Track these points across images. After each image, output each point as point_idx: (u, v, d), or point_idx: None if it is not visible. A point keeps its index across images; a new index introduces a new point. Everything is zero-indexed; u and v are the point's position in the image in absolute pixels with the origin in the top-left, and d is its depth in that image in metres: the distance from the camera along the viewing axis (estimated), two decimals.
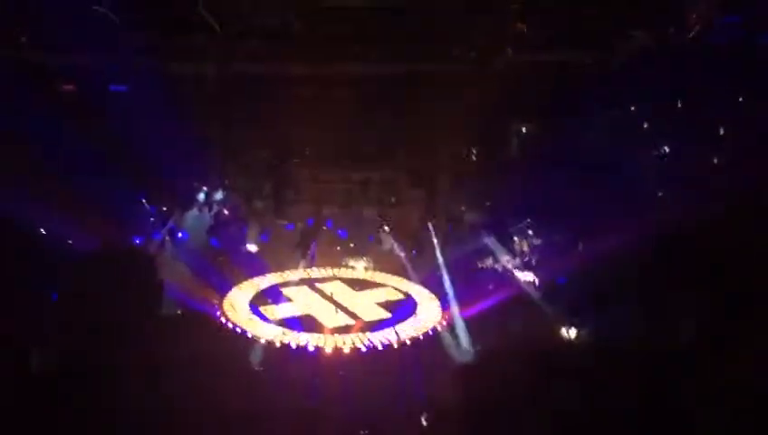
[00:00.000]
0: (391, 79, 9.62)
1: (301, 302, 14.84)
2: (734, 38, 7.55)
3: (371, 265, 16.80)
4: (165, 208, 14.65)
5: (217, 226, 15.74)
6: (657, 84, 8.75)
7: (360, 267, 16.78)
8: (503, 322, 12.88)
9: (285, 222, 16.16)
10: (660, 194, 10.60)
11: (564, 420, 5.39)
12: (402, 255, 16.92)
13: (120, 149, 10.71)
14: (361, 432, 9.04)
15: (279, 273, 16.14)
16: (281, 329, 12.98)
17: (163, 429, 2.75)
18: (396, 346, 12.52)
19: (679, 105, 10.61)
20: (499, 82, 8.88)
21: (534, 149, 12.23)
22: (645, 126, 11.17)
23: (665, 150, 11.58)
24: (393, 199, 15.00)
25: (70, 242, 12.86)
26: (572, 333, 12.75)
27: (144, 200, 14.07)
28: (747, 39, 7.50)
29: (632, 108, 10.90)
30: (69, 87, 9.71)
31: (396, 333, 13.00)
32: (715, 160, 11.51)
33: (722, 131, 11.38)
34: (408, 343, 12.64)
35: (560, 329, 12.82)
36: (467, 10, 7.64)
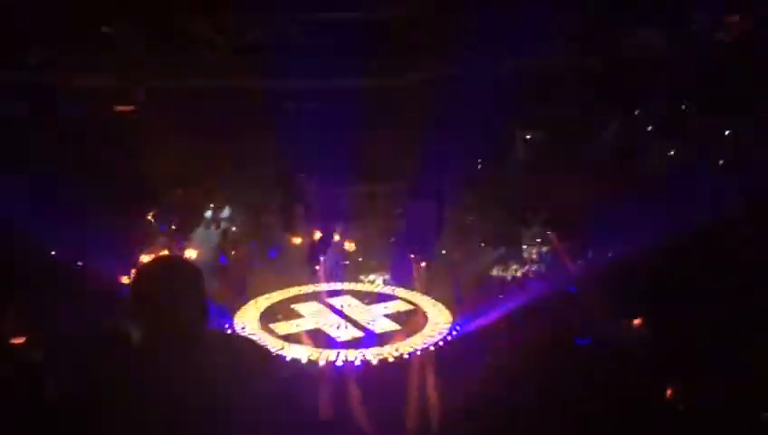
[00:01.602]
0: (392, 90, 9.65)
1: (310, 316, 14.82)
2: (740, 36, 7.54)
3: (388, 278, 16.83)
4: (174, 227, 14.69)
5: (225, 243, 15.77)
6: (661, 85, 8.75)
7: (378, 281, 16.78)
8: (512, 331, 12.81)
9: (294, 237, 16.17)
10: (670, 199, 10.56)
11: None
12: (411, 266, 16.91)
13: (127, 168, 10.78)
14: None
15: (288, 288, 16.15)
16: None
17: None
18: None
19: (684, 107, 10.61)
20: (503, 89, 8.87)
21: (542, 155, 12.21)
22: (651, 128, 11.15)
23: (676, 151, 11.55)
24: (400, 210, 14.99)
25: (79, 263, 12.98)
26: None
27: (152, 219, 14.11)
28: (753, 37, 7.49)
29: (642, 108, 10.89)
30: (74, 108, 9.77)
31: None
32: (721, 162, 11.49)
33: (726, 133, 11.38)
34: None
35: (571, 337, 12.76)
36: (468, 18, 7.66)
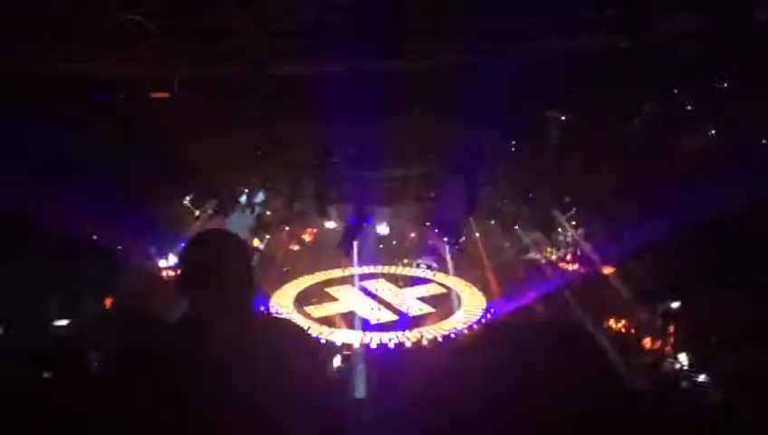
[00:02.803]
0: (424, 73, 9.56)
1: (344, 300, 14.97)
2: None
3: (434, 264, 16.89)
4: (210, 212, 14.93)
5: (260, 227, 15.97)
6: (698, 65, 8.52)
7: (423, 266, 16.86)
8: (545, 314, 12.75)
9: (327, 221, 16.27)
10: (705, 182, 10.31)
11: None
12: (444, 250, 16.90)
13: (164, 155, 10.97)
14: None
15: (322, 272, 16.32)
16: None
17: None
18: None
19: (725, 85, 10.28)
20: (535, 71, 8.72)
21: (574, 138, 12.01)
22: (689, 108, 10.85)
23: (711, 134, 11.25)
24: (432, 195, 14.96)
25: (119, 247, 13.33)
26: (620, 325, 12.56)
27: (188, 203, 14.37)
28: None
29: (675, 91, 10.62)
30: (105, 97, 9.95)
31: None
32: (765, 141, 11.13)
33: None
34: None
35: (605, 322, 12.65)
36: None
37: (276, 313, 13.79)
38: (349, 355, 12.62)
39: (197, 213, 14.27)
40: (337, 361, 12.27)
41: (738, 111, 10.26)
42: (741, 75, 9.30)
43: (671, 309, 12.45)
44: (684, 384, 10.81)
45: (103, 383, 3.18)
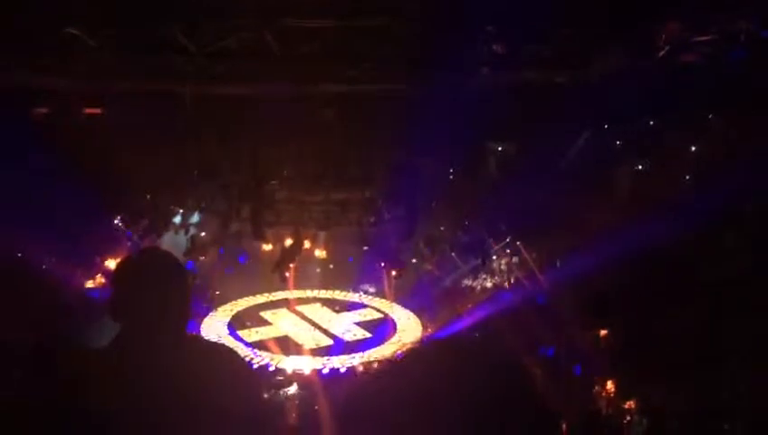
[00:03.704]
0: (367, 99, 9.64)
1: (279, 324, 14.73)
2: (705, 56, 7.75)
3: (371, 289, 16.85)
4: (142, 232, 14.46)
5: (194, 249, 15.57)
6: (630, 102, 8.95)
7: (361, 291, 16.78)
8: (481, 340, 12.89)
9: (263, 243, 16.02)
10: (635, 213, 10.79)
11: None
12: (382, 275, 16.92)
13: (95, 172, 10.58)
14: None
15: (257, 295, 16.02)
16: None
17: None
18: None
19: (651, 123, 10.85)
20: (476, 102, 8.95)
21: (511, 168, 12.35)
22: (618, 144, 11.38)
23: (639, 168, 11.81)
24: (372, 219, 14.99)
25: (44, 267, 12.69)
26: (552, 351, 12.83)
27: (120, 223, 13.89)
28: (717, 57, 7.71)
29: (606, 126, 11.12)
30: (42, 110, 9.58)
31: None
32: (687, 178, 11.78)
33: (693, 149, 11.68)
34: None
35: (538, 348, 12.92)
36: (442, 31, 7.70)
37: (208, 337, 13.39)
38: (282, 380, 12.39)
39: (129, 233, 13.79)
40: (270, 385, 12.02)
41: (667, 146, 10.82)
42: (670, 113, 9.83)
43: (601, 335, 12.82)
44: (611, 411, 11.11)
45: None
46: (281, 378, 12.46)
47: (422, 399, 1.34)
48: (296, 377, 12.53)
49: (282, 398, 11.87)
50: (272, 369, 12.77)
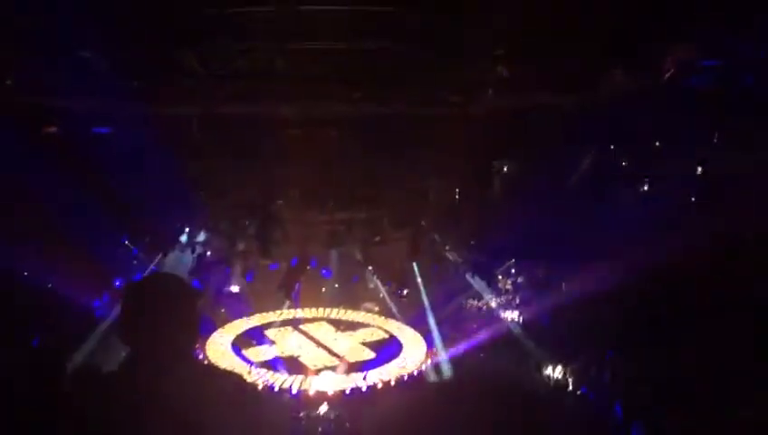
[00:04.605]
0: (375, 120, 9.72)
1: (284, 343, 14.68)
2: (713, 81, 7.80)
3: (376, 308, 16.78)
4: (149, 250, 14.52)
5: (200, 267, 15.60)
6: (636, 125, 8.98)
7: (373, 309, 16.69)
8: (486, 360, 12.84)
9: (269, 262, 16.05)
10: (640, 234, 10.76)
11: None
12: (387, 295, 16.89)
13: (103, 191, 10.66)
14: None
15: (263, 314, 15.99)
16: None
17: None
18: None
19: (657, 145, 10.86)
20: (482, 124, 9.02)
21: (517, 189, 12.37)
22: (624, 165, 11.39)
23: (645, 190, 11.80)
24: (377, 239, 15.00)
25: (49, 286, 12.70)
26: (557, 372, 12.74)
27: (127, 242, 13.94)
28: (726, 82, 7.75)
29: (611, 147, 11.14)
30: (52, 130, 9.69)
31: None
32: (693, 199, 11.76)
33: (699, 170, 11.67)
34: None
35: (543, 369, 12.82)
36: (448, 54, 7.79)
37: (213, 355, 13.35)
38: (288, 402, 12.31)
39: (135, 250, 13.83)
40: (277, 407, 11.95)
41: (670, 169, 10.83)
42: (672, 136, 9.86)
43: (606, 359, 12.71)
44: None
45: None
46: (287, 399, 12.37)
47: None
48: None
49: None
50: (282, 389, 12.70)
